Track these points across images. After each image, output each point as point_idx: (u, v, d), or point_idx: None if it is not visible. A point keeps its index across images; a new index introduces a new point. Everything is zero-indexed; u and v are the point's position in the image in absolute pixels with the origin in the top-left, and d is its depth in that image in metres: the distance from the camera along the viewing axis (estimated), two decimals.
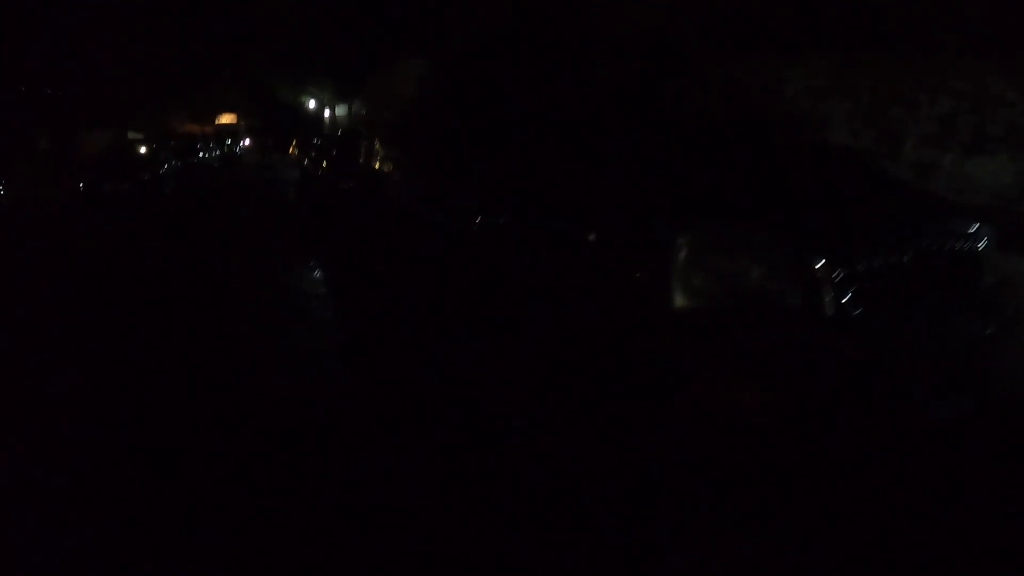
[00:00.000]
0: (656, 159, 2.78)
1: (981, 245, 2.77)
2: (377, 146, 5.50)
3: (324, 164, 10.82)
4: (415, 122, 4.41)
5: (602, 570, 2.25)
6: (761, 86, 11.84)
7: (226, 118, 50.29)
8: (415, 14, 22.11)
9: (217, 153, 29.61)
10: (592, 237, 2.41)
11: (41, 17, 21.94)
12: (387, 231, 4.37)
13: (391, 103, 22.71)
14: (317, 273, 7.52)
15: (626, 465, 2.40)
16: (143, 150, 22.36)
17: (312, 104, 39.69)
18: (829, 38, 11.14)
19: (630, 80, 3.29)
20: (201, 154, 25.95)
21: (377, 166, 6.12)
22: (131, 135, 34.55)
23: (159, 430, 3.41)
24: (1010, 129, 9.13)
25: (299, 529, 2.54)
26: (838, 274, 2.21)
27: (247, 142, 42.66)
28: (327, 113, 39.40)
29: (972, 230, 2.74)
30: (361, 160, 8.64)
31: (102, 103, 27.68)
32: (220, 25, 31.96)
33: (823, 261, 2.20)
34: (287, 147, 34.11)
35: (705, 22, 13.06)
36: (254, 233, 10.67)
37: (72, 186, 16.42)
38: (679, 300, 2.17)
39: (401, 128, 4.86)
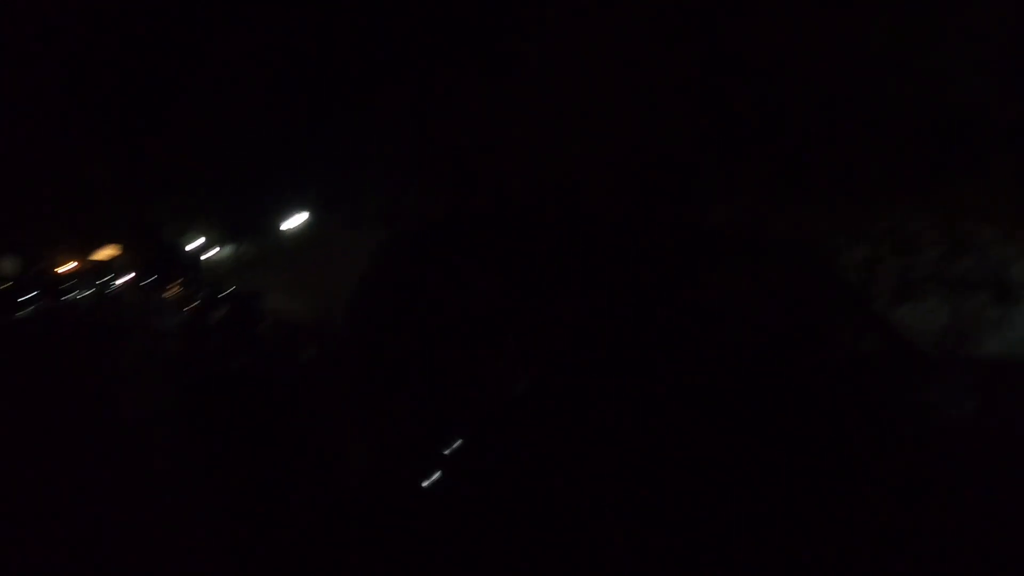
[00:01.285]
0: None
1: None
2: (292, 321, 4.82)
3: (207, 323, 9.34)
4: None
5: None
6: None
7: (105, 252, 47.58)
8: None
9: (89, 292, 27.31)
10: None
11: None
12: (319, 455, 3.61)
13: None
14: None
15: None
16: None
17: (198, 243, 37.95)
18: (732, 183, 11.01)
19: None
20: (70, 293, 23.66)
21: (295, 348, 5.23)
22: None
23: None
24: (935, 270, 8.92)
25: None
26: None
27: (123, 279, 40.12)
28: (212, 253, 37.62)
29: None
30: (262, 330, 7.48)
31: None
32: (107, 148, 30.39)
33: None
34: (168, 287, 31.91)
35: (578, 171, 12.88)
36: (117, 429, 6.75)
37: None
38: None
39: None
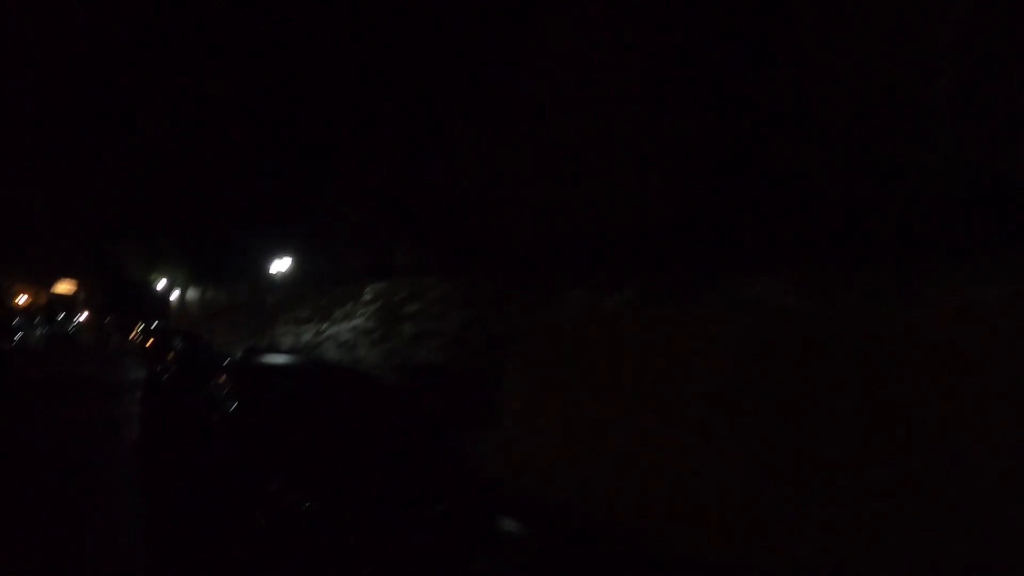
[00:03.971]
0: None
1: None
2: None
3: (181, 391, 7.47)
4: None
5: None
6: None
7: (63, 286, 45.24)
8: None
9: (45, 330, 25.44)
10: None
11: None
12: None
13: None
14: None
15: None
16: None
17: (163, 283, 35.40)
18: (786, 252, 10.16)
19: None
20: (20, 333, 21.82)
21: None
22: None
23: None
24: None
25: None
26: None
27: (84, 316, 37.97)
28: (176, 295, 34.96)
29: None
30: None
31: None
32: (72, 180, 28.59)
33: None
34: (130, 329, 29.61)
35: None
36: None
37: None
38: None
39: None
